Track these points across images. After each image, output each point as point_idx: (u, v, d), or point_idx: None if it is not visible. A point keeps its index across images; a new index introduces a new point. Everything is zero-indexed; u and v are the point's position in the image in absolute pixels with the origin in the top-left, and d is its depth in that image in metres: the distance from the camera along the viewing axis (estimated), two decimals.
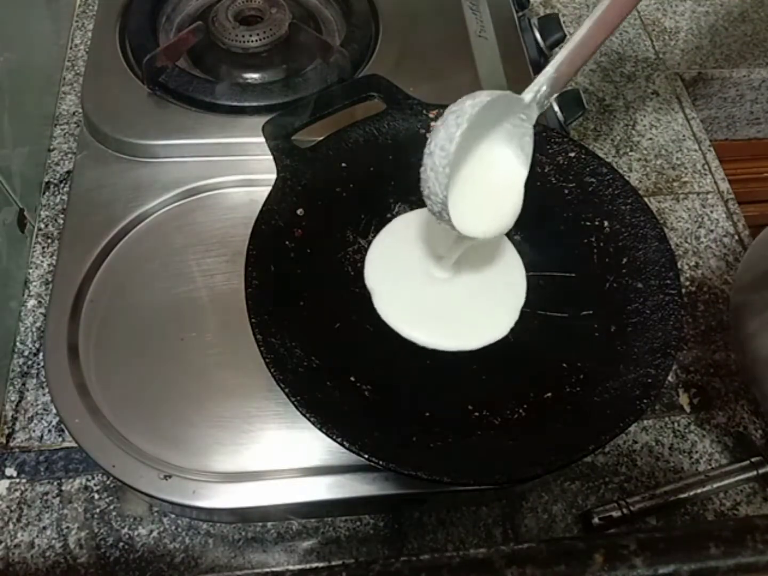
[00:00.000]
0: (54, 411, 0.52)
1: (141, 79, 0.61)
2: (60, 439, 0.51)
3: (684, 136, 0.72)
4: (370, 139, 0.52)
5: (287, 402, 0.39)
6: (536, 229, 0.51)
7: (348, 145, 0.52)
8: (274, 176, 0.49)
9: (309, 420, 0.39)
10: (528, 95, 0.44)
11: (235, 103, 0.60)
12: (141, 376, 0.50)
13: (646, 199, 0.50)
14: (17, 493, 0.49)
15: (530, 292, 0.50)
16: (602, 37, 0.44)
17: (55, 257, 0.58)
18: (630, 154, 0.71)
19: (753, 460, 0.52)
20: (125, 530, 0.48)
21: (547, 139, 0.51)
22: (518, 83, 0.46)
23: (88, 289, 0.53)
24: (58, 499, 0.49)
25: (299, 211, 0.49)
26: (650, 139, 0.72)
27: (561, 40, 0.69)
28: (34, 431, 0.52)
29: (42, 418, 0.52)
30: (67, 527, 0.48)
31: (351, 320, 0.47)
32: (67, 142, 0.66)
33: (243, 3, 0.64)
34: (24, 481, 0.50)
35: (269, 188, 0.48)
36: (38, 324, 0.56)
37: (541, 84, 0.44)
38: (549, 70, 0.44)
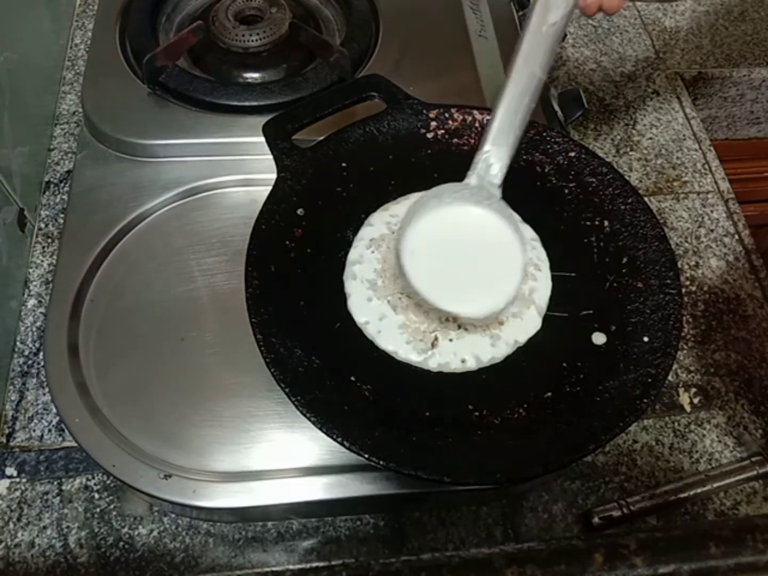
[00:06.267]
0: (54, 410, 0.52)
1: (141, 79, 0.61)
2: (60, 439, 0.51)
3: (684, 135, 0.72)
4: (370, 138, 0.52)
5: (287, 402, 0.39)
6: (536, 228, 0.51)
7: (348, 145, 0.52)
8: (274, 176, 0.49)
9: (309, 420, 0.39)
10: (472, 179, 0.45)
11: (235, 103, 0.60)
12: (141, 375, 0.50)
13: (646, 199, 0.50)
14: (17, 493, 0.49)
15: None
16: (532, 85, 0.43)
17: (55, 257, 0.58)
18: (630, 153, 0.71)
19: (753, 459, 0.52)
20: (125, 530, 0.48)
21: (547, 139, 0.51)
22: None
23: (88, 289, 0.53)
24: (58, 498, 0.49)
25: (299, 211, 0.49)
26: (650, 138, 0.72)
27: (562, 40, 0.68)
28: (34, 431, 0.52)
29: (42, 418, 0.52)
30: (68, 527, 0.48)
31: (351, 320, 0.47)
32: (67, 142, 0.66)
33: (243, 3, 0.64)
34: (24, 480, 0.50)
35: (269, 188, 0.48)
36: (38, 324, 0.56)
37: (477, 163, 0.45)
38: (486, 147, 0.45)
